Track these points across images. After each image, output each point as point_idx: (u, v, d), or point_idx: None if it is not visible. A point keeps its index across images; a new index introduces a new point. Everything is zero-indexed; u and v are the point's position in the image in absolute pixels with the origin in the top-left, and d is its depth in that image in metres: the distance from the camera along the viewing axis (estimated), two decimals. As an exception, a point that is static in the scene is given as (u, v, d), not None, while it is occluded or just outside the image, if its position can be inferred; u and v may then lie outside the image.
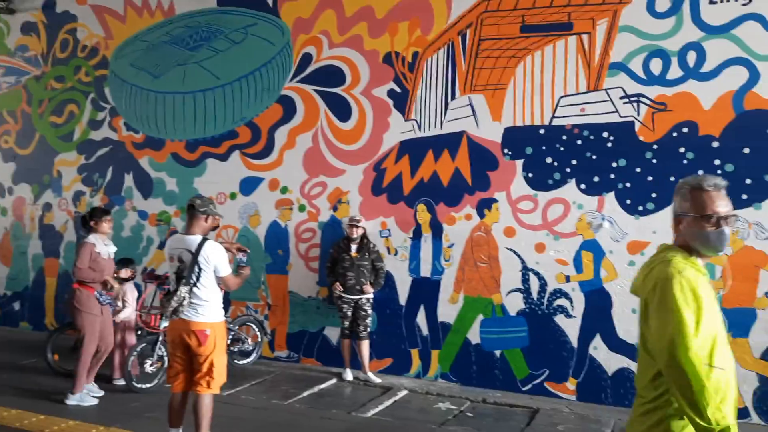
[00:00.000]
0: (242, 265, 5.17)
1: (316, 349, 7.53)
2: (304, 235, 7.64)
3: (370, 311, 6.92)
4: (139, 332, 6.83)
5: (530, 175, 6.58)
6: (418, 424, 5.57)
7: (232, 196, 8.00)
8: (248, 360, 7.32)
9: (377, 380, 6.81)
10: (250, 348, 7.29)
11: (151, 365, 6.25)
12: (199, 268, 4.57)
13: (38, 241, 9.36)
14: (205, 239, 4.65)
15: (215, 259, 4.60)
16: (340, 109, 7.45)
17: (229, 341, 7.12)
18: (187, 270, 4.59)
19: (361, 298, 6.85)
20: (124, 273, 6.67)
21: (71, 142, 9.16)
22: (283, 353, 7.70)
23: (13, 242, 9.57)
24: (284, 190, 7.72)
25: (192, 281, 4.56)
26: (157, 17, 8.58)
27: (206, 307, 4.59)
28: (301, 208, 7.63)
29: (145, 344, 6.26)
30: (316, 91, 7.59)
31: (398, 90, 7.17)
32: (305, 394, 6.44)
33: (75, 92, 9.17)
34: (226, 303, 7.81)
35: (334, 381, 6.92)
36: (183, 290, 4.54)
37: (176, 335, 4.62)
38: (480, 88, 6.80)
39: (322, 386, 6.73)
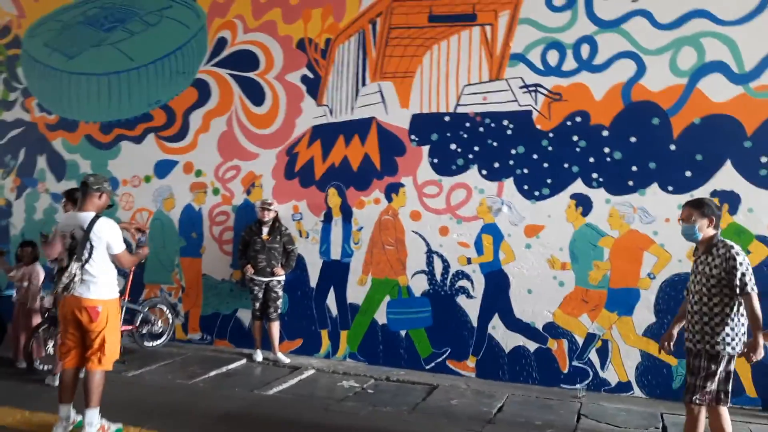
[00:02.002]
0: (141, 244, 5.22)
1: (229, 331, 7.59)
2: (218, 218, 7.67)
3: (280, 293, 7.01)
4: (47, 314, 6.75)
5: (435, 160, 6.79)
6: (316, 401, 5.72)
7: (147, 179, 7.97)
8: (159, 342, 7.34)
9: (286, 360, 6.93)
10: (160, 330, 7.30)
11: (53, 346, 6.21)
12: (91, 245, 4.60)
13: (-53, 223, 9.09)
14: (98, 216, 4.67)
15: (107, 236, 4.63)
16: (254, 93, 7.50)
17: (137, 323, 7.14)
18: (78, 247, 4.61)
19: (272, 280, 6.93)
20: (25, 252, 6.59)
21: (-18, 122, 8.93)
22: (196, 335, 7.73)
23: None
24: (198, 173, 7.74)
25: (84, 258, 4.58)
26: (72, -3, 8.45)
27: (98, 284, 4.62)
28: (215, 192, 7.67)
29: (46, 325, 6.21)
30: (230, 75, 7.62)
31: (311, 76, 7.28)
32: (212, 374, 6.51)
33: (-14, 71, 8.93)
34: (140, 286, 7.84)
35: (244, 362, 7.00)
36: (74, 266, 4.57)
37: (68, 311, 4.64)
38: (389, 76, 6.96)
39: (231, 367, 6.81)
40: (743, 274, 3.96)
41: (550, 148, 6.38)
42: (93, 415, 4.60)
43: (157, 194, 7.92)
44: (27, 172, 8.64)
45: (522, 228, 6.47)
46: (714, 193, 5.87)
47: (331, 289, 7.18)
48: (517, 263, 6.49)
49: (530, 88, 6.45)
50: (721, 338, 4.03)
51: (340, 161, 7.13)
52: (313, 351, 7.23)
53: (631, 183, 6.13)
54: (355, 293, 7.09)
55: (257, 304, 6.99)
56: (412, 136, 6.87)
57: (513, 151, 6.50)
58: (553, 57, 6.39)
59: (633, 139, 6.11)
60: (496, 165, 6.56)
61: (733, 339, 4.03)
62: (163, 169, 7.90)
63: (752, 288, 3.97)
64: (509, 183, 6.52)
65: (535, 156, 6.43)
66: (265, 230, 6.95)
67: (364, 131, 7.05)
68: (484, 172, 6.61)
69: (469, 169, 6.66)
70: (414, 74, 6.85)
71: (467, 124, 6.66)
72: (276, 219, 7.02)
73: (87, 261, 4.58)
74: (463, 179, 6.68)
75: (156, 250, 7.85)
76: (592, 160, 6.24)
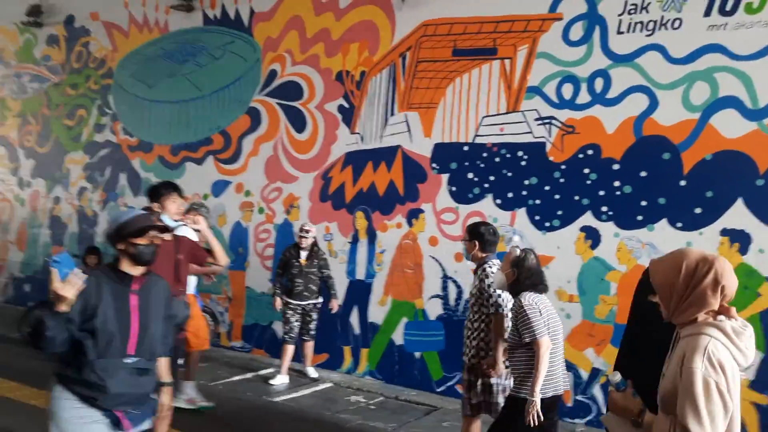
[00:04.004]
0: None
1: (266, 341, 8.17)
2: (261, 235, 8.31)
3: (315, 316, 7.16)
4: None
5: (453, 188, 7.01)
6: (314, 410, 6.11)
7: (205, 197, 8.77)
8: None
9: (314, 375, 7.23)
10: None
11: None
12: None
13: (47, 230, 10.45)
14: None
15: None
16: (297, 121, 8.10)
17: (180, 327, 7.86)
18: None
19: (308, 304, 7.11)
20: (90, 260, 7.54)
21: (79, 142, 10.21)
22: (237, 343, 8.38)
23: (28, 230, 10.71)
24: (247, 193, 8.44)
25: None
26: (155, 33, 9.50)
27: None
28: (260, 211, 8.32)
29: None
30: (278, 104, 8.27)
31: (346, 105, 7.76)
32: (235, 378, 7.08)
33: (85, 99, 10.21)
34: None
35: (271, 371, 7.51)
36: None
37: None
38: (415, 106, 7.29)
39: (258, 373, 7.34)
40: (490, 295, 4.41)
41: (561, 180, 6.42)
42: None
43: (213, 211, 8.69)
44: (111, 187, 9.77)
45: (532, 258, 6.52)
46: (724, 232, 5.66)
47: (355, 307, 7.56)
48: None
49: (545, 121, 6.54)
50: (475, 351, 4.46)
51: (368, 186, 7.54)
52: (336, 366, 7.63)
53: (640, 218, 6.04)
54: (376, 313, 7.43)
55: (289, 327, 7.07)
56: (433, 165, 7.14)
57: (526, 182, 6.60)
58: (567, 90, 6.44)
59: (643, 174, 6.03)
60: (510, 195, 6.68)
61: (487, 353, 4.41)
62: (218, 188, 8.69)
63: (498, 307, 4.37)
64: (521, 213, 6.62)
65: (547, 187, 6.49)
66: (304, 254, 7.11)
67: (390, 158, 7.41)
68: (498, 201, 6.75)
69: (484, 198, 6.83)
70: (437, 105, 7.15)
71: (484, 154, 6.84)
72: (314, 243, 7.19)
73: None
74: (478, 207, 6.85)
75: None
76: (602, 193, 6.22)
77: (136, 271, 2.99)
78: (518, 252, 4.09)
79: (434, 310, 7.05)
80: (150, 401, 3.12)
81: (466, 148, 6.96)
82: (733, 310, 2.28)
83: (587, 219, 6.29)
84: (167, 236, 3.88)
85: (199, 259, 4.85)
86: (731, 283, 2.26)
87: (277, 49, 8.34)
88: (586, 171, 6.31)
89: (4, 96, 11.24)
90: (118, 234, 2.96)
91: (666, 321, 2.37)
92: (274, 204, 8.23)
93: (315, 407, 6.25)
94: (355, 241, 7.60)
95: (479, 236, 4.63)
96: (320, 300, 7.21)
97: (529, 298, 3.92)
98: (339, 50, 7.85)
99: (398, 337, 7.26)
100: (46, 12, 10.57)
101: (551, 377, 3.91)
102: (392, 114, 7.44)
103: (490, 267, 4.53)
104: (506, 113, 6.75)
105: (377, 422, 5.88)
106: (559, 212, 6.43)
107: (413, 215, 7.23)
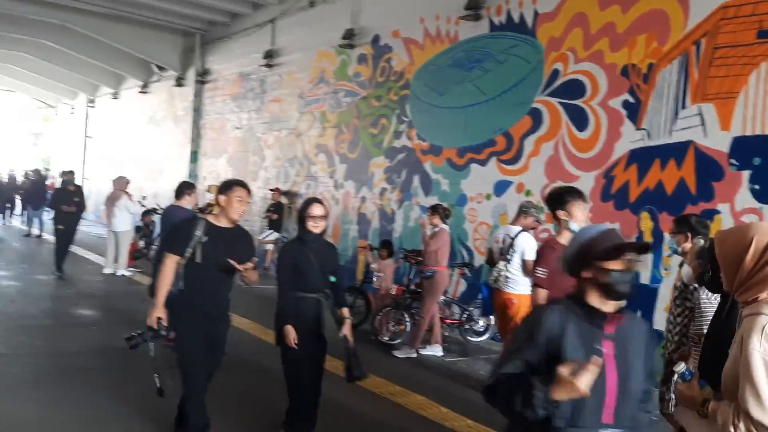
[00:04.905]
0: None
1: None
2: (541, 234, 8.35)
3: None
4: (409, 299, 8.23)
5: (757, 187, 6.25)
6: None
7: (488, 197, 9.16)
8: (481, 338, 8.41)
9: None
10: (482, 328, 8.36)
11: (393, 326, 7.87)
12: (513, 251, 6.17)
13: (355, 225, 11.91)
14: (523, 230, 6.35)
15: (523, 246, 6.18)
16: (579, 119, 7.98)
17: (463, 319, 8.34)
18: (507, 250, 6.26)
19: None
20: (383, 253, 8.45)
21: (381, 148, 11.42)
22: (517, 339, 8.56)
23: (340, 225, 12.33)
24: (528, 193, 8.58)
25: (508, 258, 6.18)
26: (445, 44, 10.19)
27: (514, 281, 6.09)
28: (540, 211, 8.37)
29: (388, 308, 7.88)
30: (560, 103, 8.25)
31: (632, 101, 7.41)
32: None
33: (386, 109, 11.39)
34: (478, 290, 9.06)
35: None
36: (501, 264, 6.24)
37: (495, 302, 6.34)
38: (711, 97, 6.67)
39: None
40: (696, 289, 4.17)
41: None
42: None
43: (494, 210, 9.04)
44: (406, 188, 10.75)
45: None
46: None
47: (639, 312, 7.18)
48: None
49: None
50: (676, 346, 4.34)
51: (654, 185, 7.11)
52: (616, 371, 7.33)
53: None
54: (663, 320, 6.94)
55: None
56: (732, 160, 6.45)
57: None
58: None
59: None
60: (831, 194, 5.73)
61: (690, 348, 4.17)
62: (500, 188, 8.99)
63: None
64: None
65: None
66: None
67: (680, 155, 6.89)
68: (814, 201, 5.84)
69: (796, 197, 5.97)
70: (738, 94, 6.43)
71: (797, 147, 5.97)
72: None
73: (509, 261, 6.06)
74: (788, 208, 6.01)
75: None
76: None
77: (609, 306, 2.25)
78: (702, 242, 4.04)
79: (730, 321, 6.36)
80: None
81: (773, 140, 6.15)
82: None
83: None
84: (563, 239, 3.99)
85: None
86: None
87: (560, 48, 8.32)
88: None
89: (325, 110, 13.10)
90: (582, 258, 2.27)
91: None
92: (555, 203, 8.22)
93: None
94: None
95: (690, 228, 4.50)
96: None
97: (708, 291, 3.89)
98: (625, 44, 7.54)
99: (687, 347, 6.71)
100: (357, 34, 12.03)
101: None
102: (683, 107, 6.91)
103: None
104: (827, 98, 5.80)
105: (656, 434, 5.56)
106: None
107: (707, 216, 6.55)
